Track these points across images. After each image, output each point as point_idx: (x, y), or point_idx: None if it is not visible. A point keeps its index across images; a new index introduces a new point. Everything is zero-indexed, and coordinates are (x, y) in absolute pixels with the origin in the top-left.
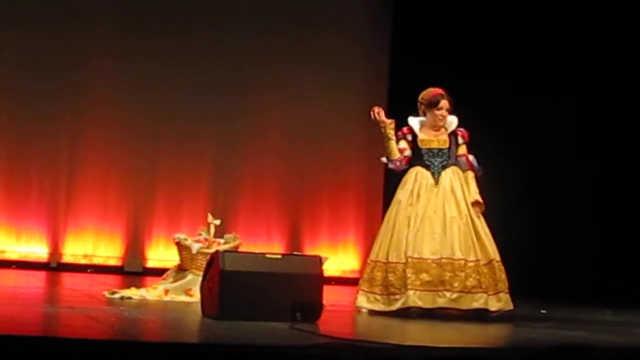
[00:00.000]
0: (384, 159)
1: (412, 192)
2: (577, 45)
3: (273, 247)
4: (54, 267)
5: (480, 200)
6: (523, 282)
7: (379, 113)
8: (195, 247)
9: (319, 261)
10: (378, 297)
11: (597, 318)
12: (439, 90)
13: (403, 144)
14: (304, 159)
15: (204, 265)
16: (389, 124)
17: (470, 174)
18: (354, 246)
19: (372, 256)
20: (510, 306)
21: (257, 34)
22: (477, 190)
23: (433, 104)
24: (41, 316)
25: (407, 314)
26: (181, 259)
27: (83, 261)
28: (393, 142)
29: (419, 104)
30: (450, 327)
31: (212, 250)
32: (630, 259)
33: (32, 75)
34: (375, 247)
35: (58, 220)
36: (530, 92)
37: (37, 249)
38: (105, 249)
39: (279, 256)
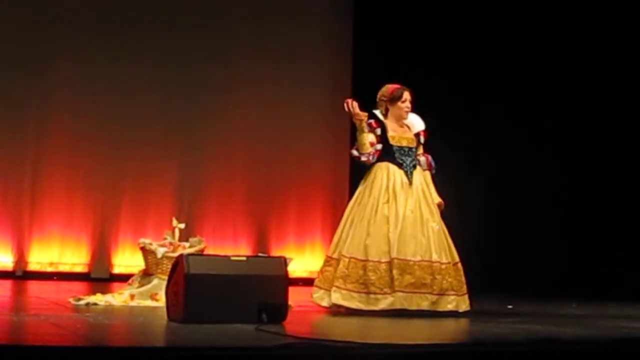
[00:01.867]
0: (354, 152)
1: (387, 188)
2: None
3: (240, 250)
4: (20, 275)
5: (442, 201)
6: (489, 279)
7: (353, 105)
8: (160, 251)
9: (283, 262)
10: (354, 294)
11: (563, 312)
12: (398, 85)
13: (372, 137)
14: (269, 158)
15: (169, 269)
16: (364, 117)
17: (429, 174)
18: (321, 246)
19: (344, 251)
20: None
21: (220, 32)
22: (435, 191)
23: (396, 98)
24: (6, 324)
25: (384, 314)
26: (146, 264)
27: (49, 269)
28: (366, 135)
29: (379, 101)
30: (417, 324)
31: (177, 254)
32: (594, 253)
33: None
34: (345, 241)
35: (23, 228)
36: (494, 87)
37: (2, 258)
38: (71, 256)
39: (244, 258)
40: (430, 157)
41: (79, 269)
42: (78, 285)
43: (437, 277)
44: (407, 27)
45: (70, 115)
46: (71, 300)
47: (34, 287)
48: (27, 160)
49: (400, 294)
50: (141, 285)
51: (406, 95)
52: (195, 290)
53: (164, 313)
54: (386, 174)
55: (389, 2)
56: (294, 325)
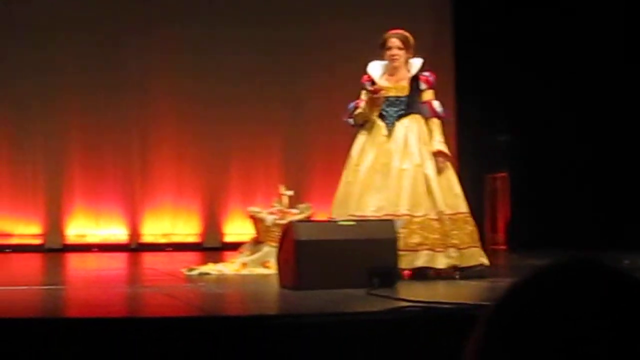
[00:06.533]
0: (350, 121)
1: (363, 146)
2: None
3: None
4: (134, 247)
5: (444, 149)
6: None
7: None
8: (269, 219)
9: (393, 225)
10: None
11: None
12: (393, 30)
13: (363, 94)
14: None
15: (279, 237)
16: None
17: (435, 122)
18: None
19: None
20: (473, 262)
21: None
22: (441, 140)
23: (381, 45)
24: (122, 297)
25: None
26: (256, 232)
27: (162, 240)
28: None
29: None
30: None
31: (286, 221)
32: None
33: (98, 57)
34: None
35: (135, 202)
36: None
37: (116, 231)
38: (183, 227)
39: (352, 223)
40: (436, 104)
41: (191, 239)
42: (191, 256)
43: (402, 231)
44: None
45: (174, 83)
46: (184, 270)
47: (148, 259)
48: (134, 134)
49: None
50: (252, 253)
51: (391, 42)
52: (306, 256)
53: (275, 280)
54: (368, 130)
55: None
56: (405, 288)
